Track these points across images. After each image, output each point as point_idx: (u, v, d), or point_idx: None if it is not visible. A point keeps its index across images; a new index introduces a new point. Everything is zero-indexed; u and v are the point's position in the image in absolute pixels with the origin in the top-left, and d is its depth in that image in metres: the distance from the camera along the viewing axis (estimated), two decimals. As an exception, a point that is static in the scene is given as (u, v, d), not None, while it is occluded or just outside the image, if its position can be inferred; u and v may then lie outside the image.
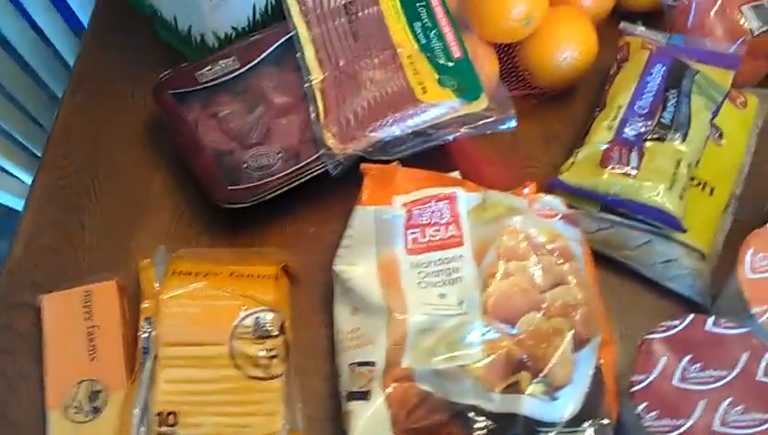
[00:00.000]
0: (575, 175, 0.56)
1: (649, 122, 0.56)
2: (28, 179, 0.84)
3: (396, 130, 0.56)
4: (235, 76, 0.62)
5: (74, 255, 0.58)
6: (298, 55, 0.61)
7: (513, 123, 0.56)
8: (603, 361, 0.47)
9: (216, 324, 0.51)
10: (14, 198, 0.84)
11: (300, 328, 0.54)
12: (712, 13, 0.64)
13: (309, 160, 0.57)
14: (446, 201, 0.52)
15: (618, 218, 0.55)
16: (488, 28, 0.61)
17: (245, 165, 0.57)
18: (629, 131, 0.56)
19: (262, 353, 0.50)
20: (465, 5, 0.61)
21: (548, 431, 0.44)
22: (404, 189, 0.53)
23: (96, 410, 0.49)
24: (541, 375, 0.45)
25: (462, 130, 0.56)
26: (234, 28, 0.65)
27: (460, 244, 0.50)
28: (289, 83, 0.61)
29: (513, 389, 0.45)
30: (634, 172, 0.53)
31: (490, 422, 0.45)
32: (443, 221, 0.51)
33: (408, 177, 0.54)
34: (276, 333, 0.51)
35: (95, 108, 0.66)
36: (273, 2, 0.65)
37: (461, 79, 0.57)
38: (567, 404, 0.45)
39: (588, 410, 0.45)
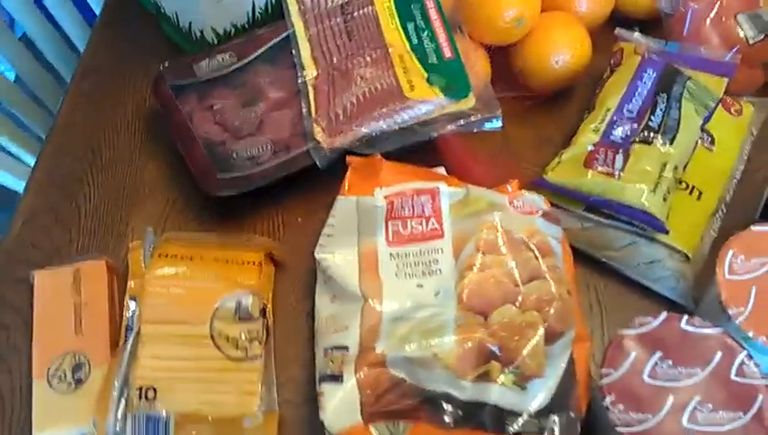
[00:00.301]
0: (560, 174, 0.56)
1: (637, 125, 0.56)
2: (31, 162, 0.87)
3: (383, 126, 0.57)
4: (232, 71, 0.63)
5: (69, 236, 0.59)
6: (294, 52, 0.63)
7: (498, 123, 0.56)
8: (577, 356, 0.47)
9: (198, 305, 0.52)
10: (17, 180, 0.87)
11: (283, 315, 0.55)
12: (708, 21, 0.64)
13: (298, 153, 0.58)
14: (428, 195, 0.53)
15: (602, 219, 0.55)
16: (480, 29, 0.62)
17: (236, 155, 0.58)
18: (616, 133, 0.56)
19: (242, 335, 0.51)
20: (459, 7, 0.63)
21: (515, 420, 0.44)
22: (387, 182, 0.54)
23: (78, 382, 0.50)
24: (512, 366, 0.45)
25: (448, 127, 0.56)
26: (233, 25, 0.67)
27: (440, 237, 0.51)
28: (284, 79, 0.63)
29: (484, 378, 0.45)
30: (618, 173, 0.54)
31: (459, 409, 0.45)
32: (424, 214, 0.52)
33: (391, 170, 0.54)
34: (257, 316, 0.52)
35: (99, 97, 0.68)
36: (273, 1, 0.67)
37: (450, 78, 0.58)
38: (536, 395, 0.45)
39: (557, 403, 0.45)
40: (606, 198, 0.54)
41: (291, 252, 0.57)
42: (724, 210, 0.58)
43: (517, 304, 0.47)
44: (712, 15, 0.64)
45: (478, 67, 0.61)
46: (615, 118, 0.57)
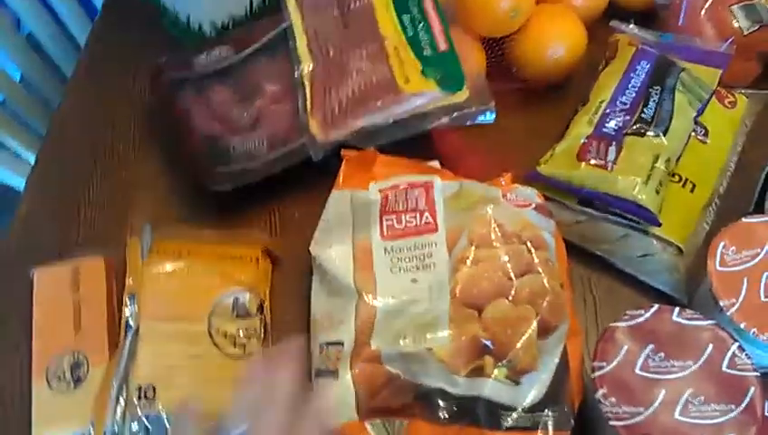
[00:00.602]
0: (552, 167, 0.56)
1: (630, 117, 0.56)
2: (32, 159, 0.87)
3: (377, 119, 0.57)
4: (230, 64, 0.63)
5: (68, 232, 0.60)
6: (290, 45, 0.63)
7: (492, 116, 0.56)
8: (570, 349, 0.48)
9: (196, 301, 0.52)
10: (21, 179, 0.87)
11: (280, 310, 0.55)
12: (702, 12, 0.64)
13: (294, 147, 0.58)
14: (423, 189, 0.53)
15: (595, 212, 0.55)
16: (476, 21, 0.62)
17: (233, 149, 0.58)
18: (609, 126, 0.56)
19: (240, 332, 0.52)
20: (454, -1, 0.63)
21: (509, 415, 0.45)
22: (381, 176, 0.54)
23: (78, 381, 0.50)
24: (505, 360, 0.46)
25: (442, 120, 0.57)
26: (231, 18, 0.67)
27: (434, 230, 0.51)
28: (281, 73, 0.62)
29: (478, 372, 0.46)
30: (611, 165, 0.54)
31: (453, 405, 0.45)
32: (418, 208, 0.52)
33: (386, 163, 0.55)
34: (254, 312, 0.53)
35: (98, 92, 0.68)
36: (269, -7, 0.67)
37: (445, 70, 0.58)
38: (530, 390, 0.45)
39: (550, 397, 0.45)
40: (598, 190, 0.54)
41: (288, 247, 0.58)
42: (718, 203, 0.58)
43: (510, 297, 0.48)
44: (707, 6, 0.64)
45: (473, 59, 0.61)
46: (608, 110, 0.57)
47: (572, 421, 0.46)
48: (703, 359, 0.44)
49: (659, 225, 0.53)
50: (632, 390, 0.43)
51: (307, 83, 0.61)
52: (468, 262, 0.49)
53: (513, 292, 0.48)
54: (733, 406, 0.42)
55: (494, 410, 0.45)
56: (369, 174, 0.54)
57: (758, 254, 0.48)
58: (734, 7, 0.63)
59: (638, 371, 0.44)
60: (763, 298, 0.47)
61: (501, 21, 0.61)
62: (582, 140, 0.56)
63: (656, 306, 0.46)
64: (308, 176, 0.59)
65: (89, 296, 0.53)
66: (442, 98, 0.57)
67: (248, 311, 0.52)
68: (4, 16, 0.88)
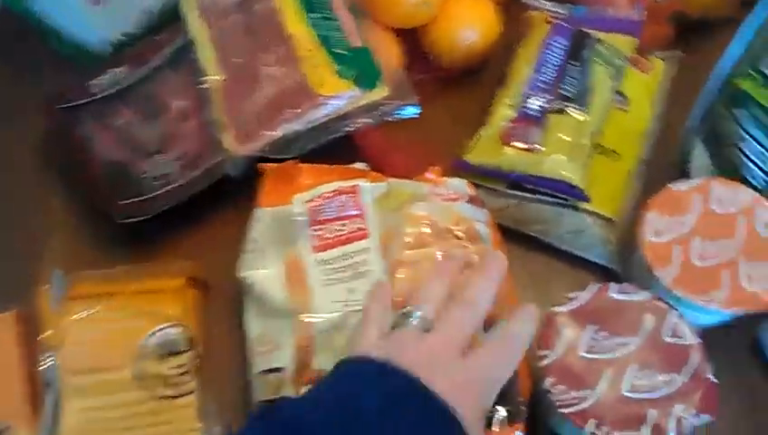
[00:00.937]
0: (478, 154, 0.55)
1: (550, 96, 0.56)
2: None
3: (295, 126, 0.54)
4: (130, 84, 0.60)
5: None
6: (194, 57, 0.60)
7: (415, 109, 0.55)
8: None
9: (120, 347, 0.49)
10: None
11: (213, 338, 0.52)
12: (612, -20, 0.64)
13: (209, 165, 0.55)
14: (350, 194, 0.51)
15: (525, 194, 0.54)
16: (387, 14, 0.60)
17: (144, 175, 0.55)
18: (531, 106, 0.56)
19: (171, 371, 0.49)
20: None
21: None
22: (305, 187, 0.52)
23: (6, 449, 0.47)
24: None
25: (363, 120, 0.55)
26: (125, 34, 0.63)
27: (366, 236, 0.49)
28: (187, 87, 0.59)
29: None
30: (536, 147, 0.53)
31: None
32: (348, 214, 0.50)
33: (309, 173, 0.52)
34: (185, 348, 0.50)
35: (-11, 130, 0.63)
36: (167, 4, 0.63)
37: (360, 68, 0.56)
38: (479, 387, 0.44)
39: (501, 393, 0.44)
40: (527, 173, 0.53)
41: (216, 272, 0.55)
42: (644, 170, 0.58)
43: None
44: (614, -25, 0.64)
45: (389, 53, 0.59)
46: (528, 90, 0.57)
47: (525, 410, 0.45)
48: (644, 332, 0.44)
49: (588, 200, 0.53)
50: (579, 374, 0.42)
51: (216, 96, 0.58)
52: (404, 265, 0.47)
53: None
54: (678, 375, 0.42)
55: None
56: (292, 186, 0.52)
57: (687, 219, 0.48)
58: (643, -27, 0.63)
59: (582, 353, 0.43)
60: (696, 263, 0.47)
61: (412, 12, 0.59)
62: (506, 124, 0.55)
63: (593, 286, 0.45)
64: (228, 192, 0.56)
65: (1, 356, 0.49)
66: (361, 97, 0.55)
67: (178, 347, 0.49)
68: None
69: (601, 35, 0.60)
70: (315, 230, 0.50)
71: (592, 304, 0.45)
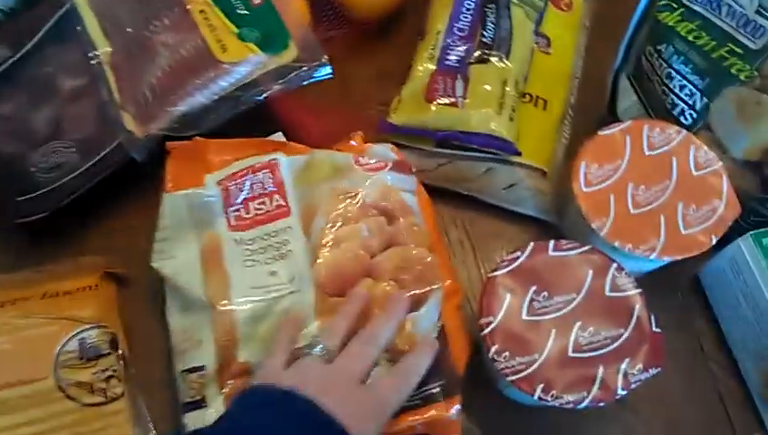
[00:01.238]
0: (403, 114, 0.52)
1: (470, 44, 0.53)
2: None
3: (200, 99, 0.50)
4: (10, 66, 0.53)
5: None
6: (79, 29, 0.53)
7: (327, 69, 0.51)
8: (445, 314, 0.45)
9: (35, 357, 0.45)
10: None
11: (140, 337, 0.49)
12: None
13: (110, 149, 0.50)
14: (266, 170, 0.47)
15: (454, 152, 0.52)
16: (288, -34, 0.55)
17: (35, 169, 0.49)
18: (452, 58, 0.53)
19: (95, 377, 0.45)
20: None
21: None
22: (217, 165, 0.48)
23: None
24: None
25: (274, 86, 0.50)
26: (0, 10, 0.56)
27: (287, 214, 0.46)
28: (76, 63, 0.53)
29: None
30: (461, 101, 0.50)
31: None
32: (266, 192, 0.47)
33: (221, 149, 0.48)
34: (107, 350, 0.46)
35: None
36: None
37: (264, 29, 0.52)
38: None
39: (433, 371, 0.42)
40: (454, 130, 0.51)
41: (133, 262, 0.50)
42: (572, 114, 0.57)
43: (374, 276, 0.44)
44: None
45: (293, 10, 0.54)
46: (447, 40, 0.53)
47: (460, 383, 0.44)
48: (585, 288, 0.43)
49: (519, 154, 0.50)
50: (523, 338, 0.41)
51: (109, 70, 0.52)
52: (328, 245, 0.44)
53: (377, 269, 0.44)
54: (622, 329, 0.41)
55: None
56: (203, 165, 0.47)
57: (619, 166, 0.47)
58: None
59: (524, 317, 0.42)
60: (632, 210, 0.46)
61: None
62: (427, 79, 0.52)
63: (530, 245, 0.44)
64: (137, 176, 0.51)
65: None
66: (267, 61, 0.51)
67: (99, 351, 0.46)
68: None
69: (517, -26, 0.57)
70: (232, 211, 0.46)
71: (530, 264, 0.43)
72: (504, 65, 0.52)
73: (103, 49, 0.53)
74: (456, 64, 0.52)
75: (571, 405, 0.39)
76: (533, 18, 0.55)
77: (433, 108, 0.51)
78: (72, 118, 0.52)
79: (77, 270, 0.49)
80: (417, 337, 0.42)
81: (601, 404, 0.39)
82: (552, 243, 0.44)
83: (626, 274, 0.43)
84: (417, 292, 0.44)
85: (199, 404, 0.42)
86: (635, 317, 0.42)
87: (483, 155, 0.51)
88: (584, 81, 0.59)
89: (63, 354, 0.45)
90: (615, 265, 0.43)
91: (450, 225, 0.54)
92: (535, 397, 0.40)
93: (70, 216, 0.50)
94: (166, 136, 0.49)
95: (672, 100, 0.50)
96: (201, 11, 0.52)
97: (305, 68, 0.51)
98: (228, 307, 0.43)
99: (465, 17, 0.54)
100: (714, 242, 0.45)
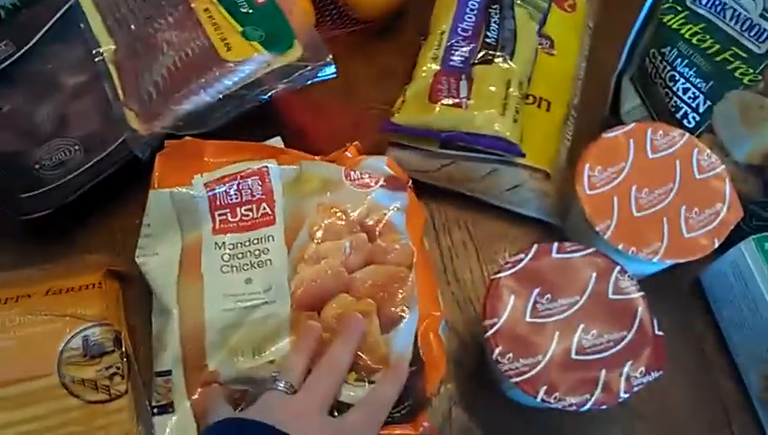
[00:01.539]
0: (407, 114, 0.52)
1: (474, 45, 0.53)
2: None
3: (204, 98, 0.50)
4: (13, 62, 0.53)
5: None
6: (82, 26, 0.53)
7: (331, 69, 0.51)
8: (422, 335, 0.45)
9: (39, 354, 0.45)
10: None
11: (140, 334, 0.49)
12: None
13: (114, 147, 0.50)
14: (256, 177, 0.47)
15: (458, 152, 0.52)
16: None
17: (39, 166, 0.49)
18: (456, 58, 0.52)
19: (99, 374, 0.45)
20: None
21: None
22: (210, 166, 0.48)
23: None
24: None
25: (278, 85, 0.50)
26: (2, 6, 0.55)
27: (272, 223, 0.46)
28: (79, 60, 0.54)
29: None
30: (465, 102, 0.50)
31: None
32: (254, 198, 0.47)
33: (216, 150, 0.48)
34: (111, 348, 0.46)
35: None
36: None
37: (268, 27, 0.52)
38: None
39: (406, 390, 0.42)
40: (458, 130, 0.50)
41: (135, 261, 0.50)
42: (575, 114, 0.57)
43: (351, 293, 0.44)
44: None
45: (298, 9, 0.54)
46: (451, 40, 0.53)
47: (428, 403, 0.44)
48: (588, 291, 0.43)
49: (523, 155, 0.51)
50: (526, 340, 0.41)
51: (113, 68, 0.52)
52: (309, 260, 0.44)
53: (354, 286, 0.44)
54: (625, 332, 0.42)
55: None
56: (194, 165, 0.47)
57: (623, 168, 0.47)
58: None
59: (528, 319, 0.42)
60: (635, 213, 0.46)
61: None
62: (431, 79, 0.52)
63: (534, 247, 0.44)
64: (140, 173, 0.51)
65: None
66: (272, 60, 0.51)
67: (103, 348, 0.46)
68: None
69: (520, -25, 0.57)
70: (218, 214, 0.46)
71: (534, 266, 0.43)
72: (508, 66, 0.52)
73: (107, 46, 0.53)
74: (460, 65, 0.52)
75: (573, 407, 0.40)
76: (537, 19, 0.55)
77: (437, 108, 0.51)
78: (75, 115, 0.52)
79: (81, 268, 0.49)
80: (392, 356, 0.43)
81: (604, 407, 0.40)
82: (555, 245, 0.44)
83: (629, 277, 0.43)
84: (394, 310, 0.44)
85: (166, 409, 0.42)
86: (638, 320, 0.42)
87: (487, 156, 0.51)
88: (587, 82, 0.59)
89: (67, 351, 0.45)
90: (618, 267, 0.43)
91: (453, 226, 0.54)
92: (538, 399, 0.40)
93: (73, 214, 0.50)
94: (170, 134, 0.49)
95: (675, 102, 0.50)
96: (205, 9, 0.52)
97: (310, 67, 0.51)
98: (199, 314, 0.43)
99: (470, 18, 0.54)
100: (716, 245, 0.45)
